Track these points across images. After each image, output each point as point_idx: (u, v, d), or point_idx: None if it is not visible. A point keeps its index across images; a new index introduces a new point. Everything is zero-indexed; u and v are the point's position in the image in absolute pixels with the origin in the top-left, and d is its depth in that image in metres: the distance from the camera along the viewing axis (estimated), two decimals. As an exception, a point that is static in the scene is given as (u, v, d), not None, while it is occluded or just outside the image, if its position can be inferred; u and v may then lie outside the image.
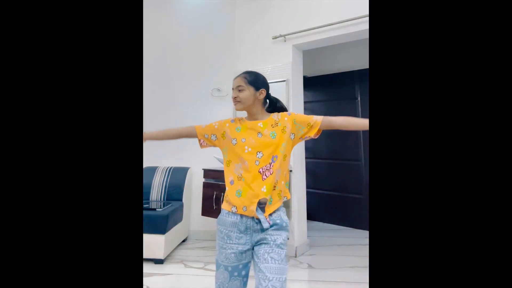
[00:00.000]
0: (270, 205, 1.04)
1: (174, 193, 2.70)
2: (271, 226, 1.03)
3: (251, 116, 1.15)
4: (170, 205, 2.48)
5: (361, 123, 1.05)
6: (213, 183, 2.39)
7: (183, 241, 2.74)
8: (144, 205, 2.43)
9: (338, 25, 2.36)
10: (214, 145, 1.19)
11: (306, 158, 2.91)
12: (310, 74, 3.64)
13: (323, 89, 3.58)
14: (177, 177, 2.77)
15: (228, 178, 1.11)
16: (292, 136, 1.10)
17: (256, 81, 1.14)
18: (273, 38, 2.70)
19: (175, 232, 2.46)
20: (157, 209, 2.31)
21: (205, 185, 2.43)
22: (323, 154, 3.49)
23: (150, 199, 2.70)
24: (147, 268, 2.13)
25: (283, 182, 1.09)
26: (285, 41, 2.68)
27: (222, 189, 2.30)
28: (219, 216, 1.10)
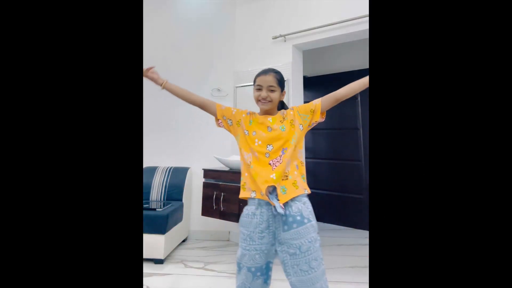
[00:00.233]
0: (284, 194, 1.02)
1: (174, 193, 2.70)
2: (292, 224, 1.01)
3: (264, 112, 1.15)
4: (170, 205, 2.48)
5: (362, 83, 1.09)
6: (213, 183, 2.38)
7: (183, 241, 2.74)
8: (144, 205, 2.43)
9: (338, 25, 2.36)
10: (229, 130, 1.19)
11: (306, 158, 2.91)
12: (310, 74, 3.64)
13: (323, 89, 3.55)
14: (177, 177, 2.77)
15: (242, 166, 1.13)
16: (301, 127, 1.11)
17: (282, 81, 1.15)
18: (273, 38, 2.70)
19: (175, 232, 2.46)
20: (157, 209, 2.31)
21: (205, 185, 2.43)
22: (323, 154, 3.49)
23: (150, 199, 2.70)
24: (147, 268, 2.13)
25: (295, 173, 1.07)
26: (285, 41, 2.67)
27: (222, 189, 2.30)
28: (240, 218, 1.10)
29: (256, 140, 1.08)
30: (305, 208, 1.04)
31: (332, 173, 3.41)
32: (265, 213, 1.04)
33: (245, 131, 1.12)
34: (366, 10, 2.21)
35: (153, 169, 2.84)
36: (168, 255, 2.39)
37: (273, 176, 1.02)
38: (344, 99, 1.12)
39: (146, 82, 1.22)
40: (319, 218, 3.49)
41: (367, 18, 2.21)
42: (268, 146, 1.06)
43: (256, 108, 1.19)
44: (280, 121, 1.11)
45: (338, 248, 2.64)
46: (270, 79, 1.11)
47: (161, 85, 1.27)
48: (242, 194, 1.10)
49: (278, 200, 1.01)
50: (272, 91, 1.10)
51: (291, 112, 1.12)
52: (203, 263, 2.25)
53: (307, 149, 3.42)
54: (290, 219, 1.01)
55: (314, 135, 3.49)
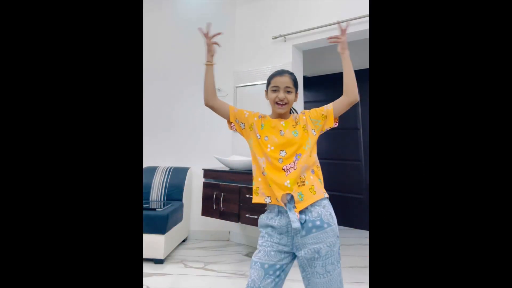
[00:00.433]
0: (301, 201, 1.00)
1: (174, 193, 2.70)
2: (311, 229, 0.99)
3: (277, 116, 1.12)
4: (170, 205, 2.48)
5: (352, 76, 1.08)
6: (213, 183, 2.38)
7: (183, 241, 2.74)
8: (144, 205, 2.43)
9: (338, 25, 2.35)
10: (241, 133, 1.16)
11: (306, 158, 2.90)
12: (310, 74, 3.64)
13: (323, 89, 3.58)
14: (177, 177, 2.77)
15: (256, 171, 1.09)
16: (313, 132, 1.10)
17: (296, 82, 1.13)
18: (273, 38, 2.70)
19: (175, 232, 2.46)
20: (157, 209, 2.31)
21: (205, 185, 2.43)
22: (323, 154, 3.48)
23: (150, 199, 2.70)
24: (147, 268, 2.13)
25: (311, 177, 1.04)
26: (285, 41, 2.67)
27: (222, 189, 2.30)
28: (259, 220, 1.09)
29: (269, 146, 1.05)
30: (325, 212, 1.02)
31: (332, 173, 3.41)
32: (284, 219, 1.02)
33: (257, 135, 1.09)
34: (366, 10, 2.21)
35: (153, 169, 2.84)
36: (168, 255, 2.39)
37: (287, 183, 1.00)
38: (353, 97, 1.08)
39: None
40: (319, 218, 3.49)
41: (367, 18, 2.21)
42: (281, 152, 1.04)
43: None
44: (293, 125, 1.08)
45: (338, 248, 2.64)
46: (286, 80, 1.09)
47: (209, 63, 1.25)
48: (256, 199, 1.07)
49: (295, 207, 1.00)
50: (289, 92, 1.08)
51: (304, 117, 1.10)
52: (203, 263, 2.25)
53: (307, 149, 3.42)
54: (310, 224, 0.99)
55: (314, 135, 3.48)
